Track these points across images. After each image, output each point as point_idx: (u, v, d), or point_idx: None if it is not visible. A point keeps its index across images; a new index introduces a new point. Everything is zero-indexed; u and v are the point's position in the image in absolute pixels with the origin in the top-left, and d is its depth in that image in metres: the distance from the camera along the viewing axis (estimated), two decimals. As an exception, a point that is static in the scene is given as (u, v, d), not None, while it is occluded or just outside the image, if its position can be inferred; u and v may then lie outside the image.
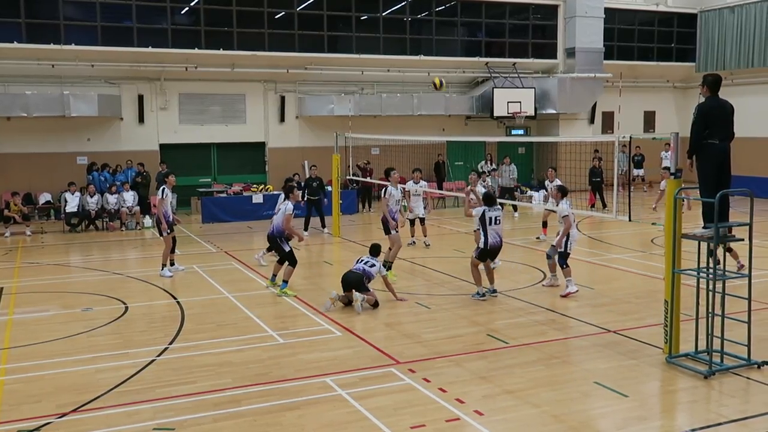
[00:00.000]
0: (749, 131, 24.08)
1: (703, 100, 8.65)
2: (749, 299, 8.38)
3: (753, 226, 8.20)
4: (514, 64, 27.77)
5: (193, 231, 20.20)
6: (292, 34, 24.79)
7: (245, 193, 22.72)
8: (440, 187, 24.99)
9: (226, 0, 23.84)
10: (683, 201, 9.08)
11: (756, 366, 8.28)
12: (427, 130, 26.08)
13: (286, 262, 12.46)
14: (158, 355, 9.17)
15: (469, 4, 27.47)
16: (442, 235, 18.86)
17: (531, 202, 24.67)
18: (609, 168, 15.59)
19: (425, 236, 17.05)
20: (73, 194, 20.70)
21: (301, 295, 12.21)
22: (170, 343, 9.68)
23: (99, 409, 7.44)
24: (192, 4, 23.91)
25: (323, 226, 19.36)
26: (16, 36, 21.65)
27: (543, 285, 12.77)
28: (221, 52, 23.72)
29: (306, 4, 25.07)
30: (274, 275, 12.91)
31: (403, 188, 15.84)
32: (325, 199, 19.81)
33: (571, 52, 28.27)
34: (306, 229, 18.78)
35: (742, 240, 8.52)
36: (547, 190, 18.17)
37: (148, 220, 21.05)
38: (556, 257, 12.19)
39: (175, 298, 12.30)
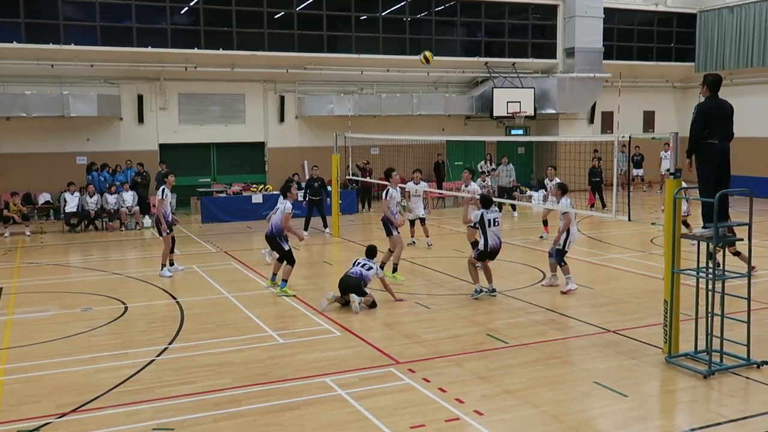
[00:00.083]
0: (749, 131, 24.08)
1: (702, 99, 8.65)
2: (749, 299, 8.39)
3: (752, 226, 8.21)
4: (514, 64, 27.78)
5: (192, 231, 20.20)
6: (291, 34, 24.79)
7: (245, 193, 22.70)
8: (440, 187, 24.97)
9: (226, 0, 23.86)
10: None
11: (755, 366, 8.29)
12: (426, 130, 26.07)
13: (285, 261, 12.47)
14: (158, 355, 9.17)
15: (468, 4, 27.47)
16: (442, 235, 18.86)
17: (530, 202, 24.67)
18: (608, 168, 15.57)
19: (427, 236, 17.04)
20: (72, 194, 20.68)
21: (301, 295, 12.21)
22: (170, 343, 9.68)
23: (99, 409, 7.44)
24: (191, 4, 23.90)
25: (325, 226, 19.35)
26: (16, 36, 21.63)
27: (542, 285, 12.77)
28: (221, 52, 23.72)
29: (305, 4, 25.06)
30: (274, 274, 12.91)
31: (403, 188, 15.85)
32: (328, 199, 19.81)
33: (570, 52, 28.29)
34: (306, 229, 18.78)
35: (741, 240, 8.53)
36: (546, 189, 18.17)
37: (147, 220, 21.04)
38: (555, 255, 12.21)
39: (174, 298, 12.30)
